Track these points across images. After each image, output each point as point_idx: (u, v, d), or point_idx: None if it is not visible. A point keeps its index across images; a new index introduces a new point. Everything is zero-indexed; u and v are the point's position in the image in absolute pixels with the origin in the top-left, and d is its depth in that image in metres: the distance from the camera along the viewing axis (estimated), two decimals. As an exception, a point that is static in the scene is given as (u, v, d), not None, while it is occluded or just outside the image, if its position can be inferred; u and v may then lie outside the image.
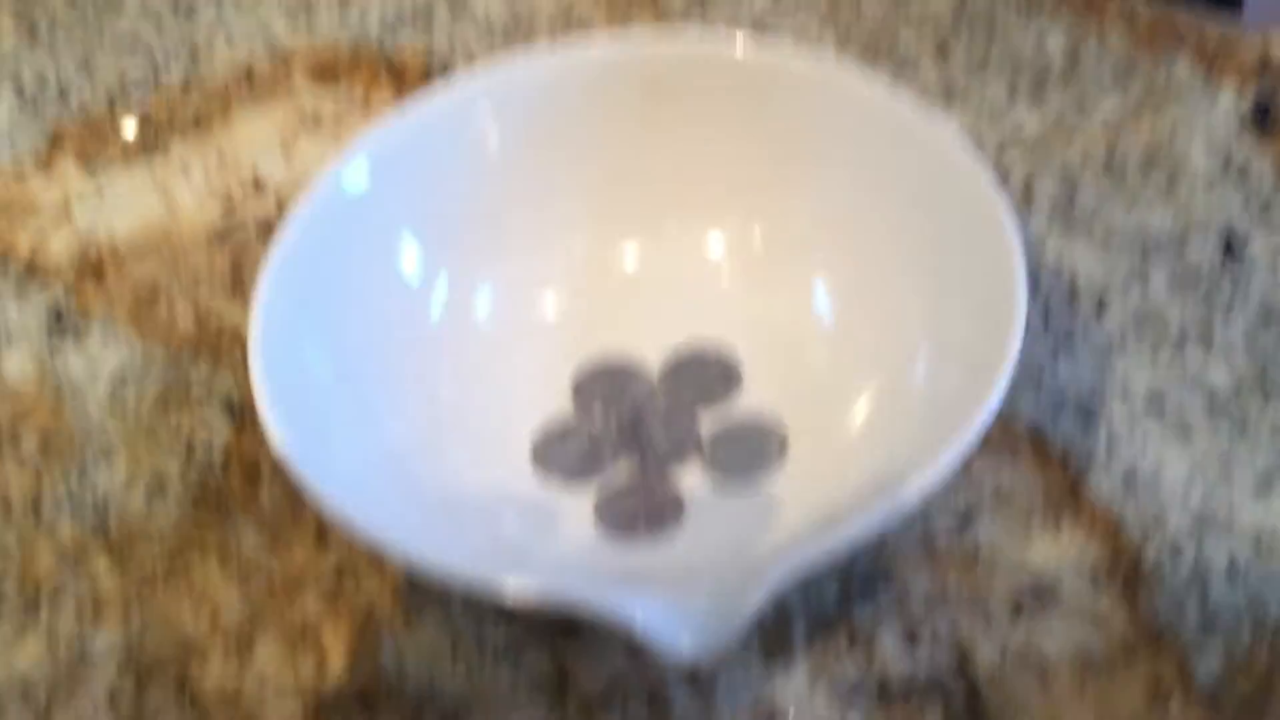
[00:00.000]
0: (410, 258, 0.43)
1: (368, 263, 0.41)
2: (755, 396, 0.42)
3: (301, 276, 0.38)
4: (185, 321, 0.47)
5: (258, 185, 0.52)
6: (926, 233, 0.40)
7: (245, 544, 0.40)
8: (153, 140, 0.54)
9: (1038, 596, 0.37)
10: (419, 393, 0.40)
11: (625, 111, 0.44)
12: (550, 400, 0.42)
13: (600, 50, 0.44)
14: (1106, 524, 0.38)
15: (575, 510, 0.39)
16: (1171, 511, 0.39)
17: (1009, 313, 0.36)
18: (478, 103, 0.44)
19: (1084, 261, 0.46)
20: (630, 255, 0.45)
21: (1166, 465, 0.40)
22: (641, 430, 0.41)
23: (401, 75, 0.56)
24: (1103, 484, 0.39)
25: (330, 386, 0.38)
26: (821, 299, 0.43)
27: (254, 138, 0.54)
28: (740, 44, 0.43)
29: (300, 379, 0.37)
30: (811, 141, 0.43)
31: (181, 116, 0.55)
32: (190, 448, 0.43)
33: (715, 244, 0.45)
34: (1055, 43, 0.54)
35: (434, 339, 0.41)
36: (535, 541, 0.38)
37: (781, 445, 0.40)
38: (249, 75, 0.56)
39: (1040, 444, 0.40)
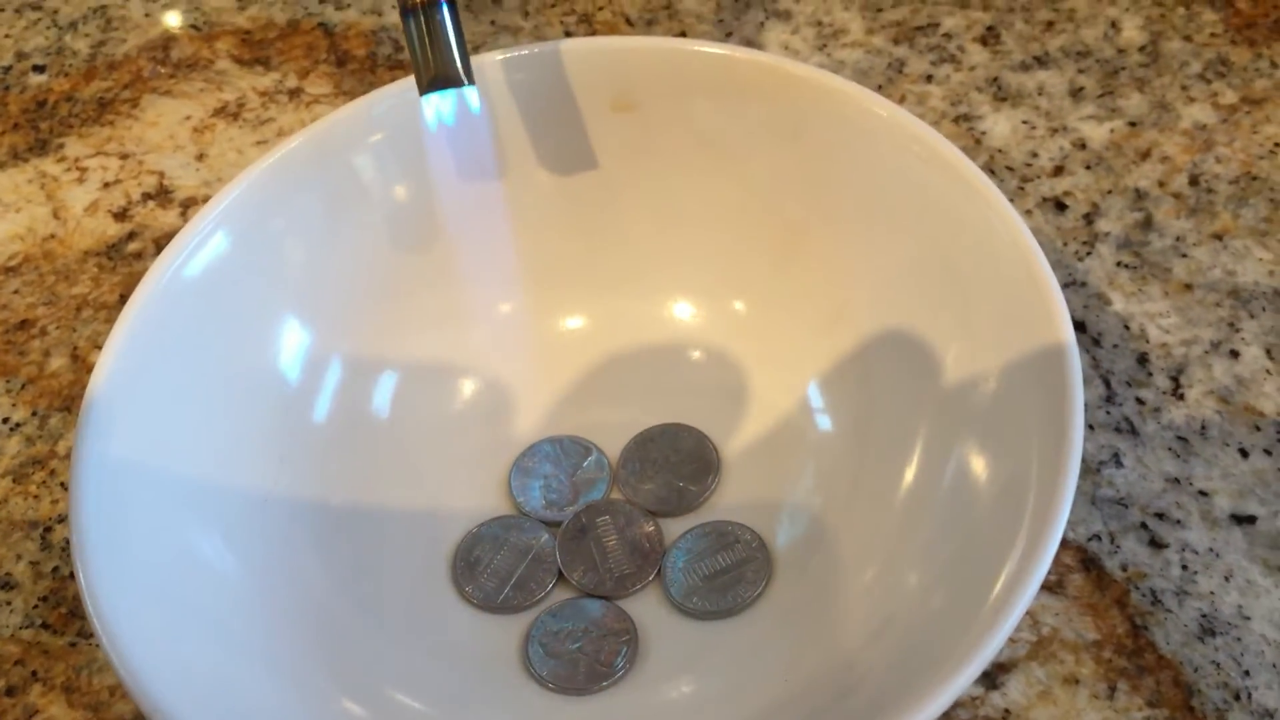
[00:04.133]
0: (288, 340, 0.33)
1: (230, 352, 0.32)
2: (732, 503, 0.33)
3: (142, 380, 0.30)
4: (59, 366, 0.39)
5: (163, 193, 0.43)
6: (950, 306, 0.31)
7: (102, 674, 0.32)
8: (45, 131, 0.46)
9: (1082, 792, 0.29)
10: (294, 511, 0.32)
11: (575, 138, 0.35)
12: (472, 506, 0.34)
13: (545, 49, 0.35)
14: (1174, 690, 0.30)
15: (498, 653, 0.31)
16: (1260, 674, 0.30)
17: (1061, 406, 0.27)
18: (375, 131, 0.34)
19: (1158, 320, 0.36)
20: (578, 327, 0.36)
21: (1257, 609, 0.31)
22: (591, 546, 0.33)
23: (344, 60, 0.47)
24: (1171, 632, 0.31)
25: (180, 531, 0.29)
26: (817, 396, 0.34)
27: (164, 132, 0.45)
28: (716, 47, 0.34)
29: (137, 522, 0.28)
30: (809, 190, 0.34)
31: (83, 100, 0.46)
32: (47, 540, 0.35)
33: (685, 319, 0.36)
34: (1131, 30, 0.44)
35: (319, 439, 0.33)
36: (437, 704, 0.30)
37: (763, 574, 0.32)
38: (165, 50, 0.48)
39: (1091, 572, 0.32)
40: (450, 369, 0.35)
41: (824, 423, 0.33)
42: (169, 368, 0.30)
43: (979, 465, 0.29)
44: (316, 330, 0.33)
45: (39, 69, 0.48)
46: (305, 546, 0.31)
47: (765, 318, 0.35)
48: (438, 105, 0.33)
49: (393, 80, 0.37)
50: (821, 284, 0.34)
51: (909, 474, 0.31)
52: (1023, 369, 0.29)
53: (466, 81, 0.30)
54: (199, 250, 0.31)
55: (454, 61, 0.30)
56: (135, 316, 0.30)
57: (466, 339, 0.35)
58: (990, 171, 0.40)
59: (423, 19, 0.30)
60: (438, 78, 0.30)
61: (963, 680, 0.24)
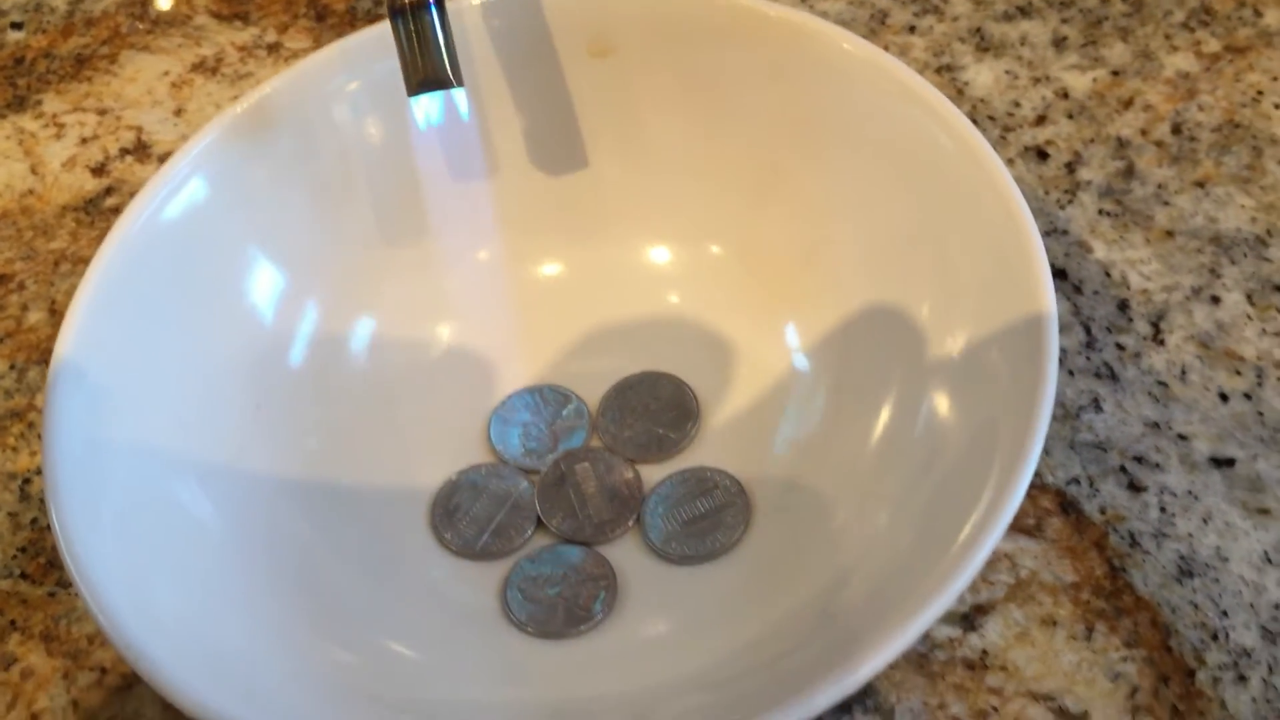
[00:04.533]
0: (263, 286, 0.33)
1: (205, 298, 0.32)
2: (711, 449, 0.33)
3: (114, 328, 0.30)
4: (37, 320, 0.39)
5: (141, 148, 0.43)
6: (927, 248, 0.31)
7: (81, 623, 0.32)
8: (23, 88, 0.45)
9: (1059, 730, 0.29)
10: (271, 458, 0.31)
11: (553, 83, 0.34)
12: (451, 455, 0.34)
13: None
14: (1152, 631, 0.30)
15: (476, 599, 0.31)
16: (1238, 614, 0.30)
17: (1037, 350, 0.27)
18: (351, 79, 0.34)
19: (1139, 267, 0.36)
20: (555, 274, 0.36)
21: (1235, 550, 0.31)
22: (570, 493, 0.33)
23: (323, 14, 0.46)
24: (1150, 574, 0.31)
25: (156, 480, 0.29)
26: (794, 336, 0.34)
27: (142, 87, 0.45)
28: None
29: (112, 471, 0.28)
30: (787, 131, 0.33)
31: (61, 57, 0.46)
32: (25, 492, 0.35)
33: (662, 263, 0.36)
34: (1115, -22, 0.44)
35: (295, 386, 0.33)
36: (419, 648, 0.30)
37: (741, 518, 0.32)
38: (144, 5, 0.47)
39: (1070, 515, 0.32)
40: (428, 316, 0.35)
41: (801, 365, 0.33)
42: (142, 314, 0.30)
43: (953, 408, 0.29)
44: (292, 277, 0.33)
45: (17, 26, 0.48)
46: (283, 494, 0.31)
47: (742, 261, 0.34)
48: (426, 107, 0.33)
49: (369, 29, 0.36)
50: (798, 226, 0.33)
51: (884, 416, 0.31)
52: (1000, 313, 0.29)
53: (455, 83, 0.30)
54: (172, 197, 0.31)
55: (443, 64, 0.30)
56: (107, 263, 0.30)
57: (444, 286, 0.35)
58: (973, 122, 0.40)
59: (411, 21, 0.30)
60: (427, 80, 0.30)
61: (929, 616, 0.24)
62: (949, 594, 0.24)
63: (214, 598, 0.28)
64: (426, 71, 0.30)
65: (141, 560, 0.27)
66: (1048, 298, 0.27)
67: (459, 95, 0.33)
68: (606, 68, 0.34)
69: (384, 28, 0.34)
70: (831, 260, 0.33)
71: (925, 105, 0.31)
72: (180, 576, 0.28)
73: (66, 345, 0.29)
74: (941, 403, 0.30)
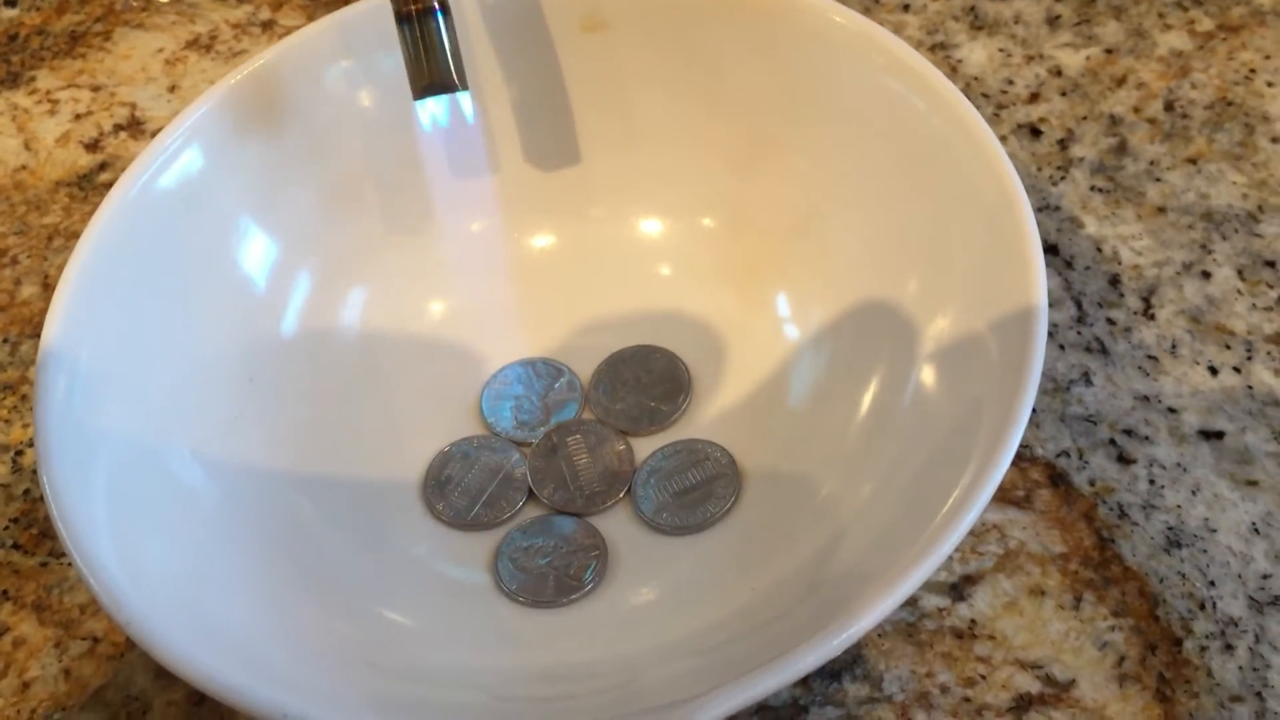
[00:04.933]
0: (256, 257, 0.33)
1: (198, 268, 0.32)
2: (702, 421, 0.33)
3: (107, 297, 0.30)
4: (30, 294, 0.39)
5: (134, 124, 0.43)
6: (918, 222, 0.31)
7: (73, 593, 0.32)
8: (16, 65, 0.45)
9: (1046, 699, 0.29)
10: (264, 429, 0.32)
11: (545, 58, 0.34)
12: (444, 427, 0.34)
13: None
14: (1140, 600, 0.30)
15: (468, 569, 0.31)
16: (1225, 584, 0.30)
17: (1025, 324, 0.27)
18: (346, 51, 0.34)
19: (1130, 242, 0.36)
20: (547, 246, 0.36)
21: (1223, 521, 0.31)
22: (562, 465, 0.33)
23: (316, -12, 0.46)
24: (1138, 545, 0.31)
25: (149, 441, 0.29)
26: (785, 307, 0.34)
27: (136, 64, 0.45)
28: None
29: (104, 440, 0.28)
30: (778, 104, 0.33)
31: (54, 34, 0.46)
32: (18, 464, 0.35)
33: (654, 236, 0.36)
34: (1109, -44, 0.44)
35: (288, 356, 0.33)
36: (412, 616, 0.30)
37: (732, 489, 0.32)
38: (139, -15, 0.47)
39: (1059, 487, 0.32)
40: (420, 288, 0.35)
41: (792, 336, 0.33)
42: (136, 284, 0.30)
43: (941, 381, 0.29)
44: (285, 248, 0.33)
45: (10, 3, 0.48)
46: (276, 464, 0.31)
47: (733, 234, 0.34)
48: (431, 109, 0.34)
49: (363, 3, 0.36)
50: (790, 199, 0.33)
51: (874, 387, 0.31)
52: (990, 289, 0.29)
53: (461, 87, 0.31)
54: (166, 166, 0.31)
55: (449, 69, 0.30)
56: (101, 232, 0.30)
57: (436, 258, 0.35)
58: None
59: (417, 27, 0.30)
60: (433, 84, 0.31)
61: (913, 581, 0.24)
62: (932, 561, 0.24)
63: (208, 566, 0.28)
64: (432, 76, 0.30)
65: (134, 528, 0.27)
66: (1038, 275, 0.27)
67: (464, 97, 0.33)
68: (599, 42, 0.34)
69: (379, 1, 0.34)
70: (823, 233, 0.33)
71: (918, 78, 0.31)
72: (173, 544, 0.28)
73: (58, 315, 0.29)
74: (929, 376, 0.30)
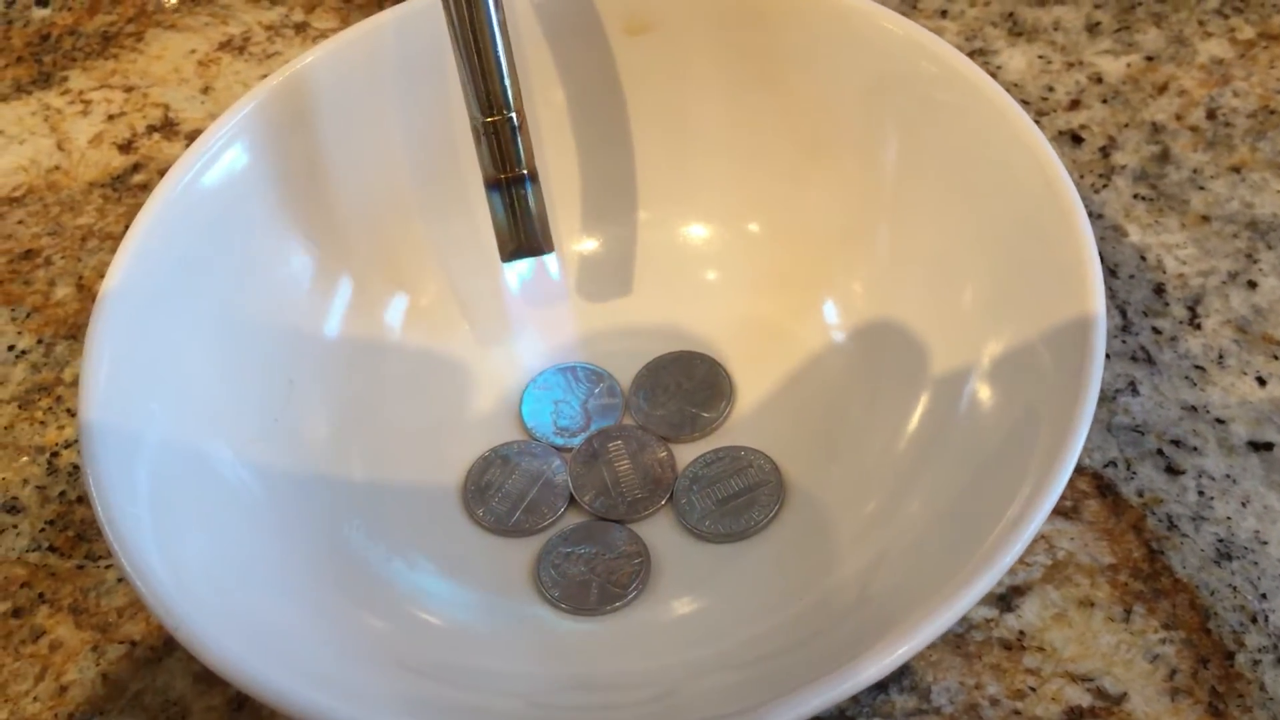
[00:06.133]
0: (298, 259, 0.33)
1: (240, 268, 0.31)
2: (745, 429, 0.33)
3: (151, 295, 0.29)
4: (64, 295, 0.38)
5: (168, 125, 0.43)
6: (972, 231, 0.31)
7: (110, 595, 0.32)
8: (48, 65, 0.45)
9: (1098, 712, 0.28)
10: (305, 430, 0.31)
11: (589, 62, 0.34)
12: (483, 432, 0.33)
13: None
14: (1191, 613, 0.30)
15: (509, 575, 0.31)
16: (1277, 598, 0.30)
17: (1083, 335, 0.27)
18: (390, 53, 0.33)
19: (1175, 251, 0.36)
20: (591, 251, 0.35)
21: (1274, 534, 0.31)
22: (603, 471, 0.33)
23: (349, -9, 0.46)
24: (1188, 556, 0.31)
25: (193, 441, 0.29)
26: (833, 314, 0.33)
27: (169, 65, 0.45)
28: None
29: (146, 439, 0.28)
30: (830, 110, 0.33)
31: (86, 34, 0.46)
32: (54, 465, 0.35)
33: (700, 242, 0.35)
34: (1149, -37, 0.44)
35: (329, 359, 0.32)
36: (450, 620, 0.29)
37: (775, 498, 0.31)
38: (171, -15, 0.47)
39: (1107, 498, 0.32)
40: (462, 291, 0.35)
41: (840, 345, 0.33)
42: (177, 283, 0.30)
43: (994, 394, 0.29)
44: (328, 251, 0.33)
45: (42, 3, 0.47)
46: (315, 467, 0.31)
47: (780, 240, 0.34)
48: (518, 269, 0.35)
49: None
50: (839, 206, 0.33)
51: (924, 399, 0.30)
52: (1046, 302, 0.28)
53: (547, 250, 0.31)
54: (210, 166, 0.31)
55: (537, 235, 0.31)
56: (144, 231, 0.30)
57: (479, 262, 0.34)
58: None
59: (509, 194, 0.31)
60: (521, 249, 0.31)
61: (969, 598, 0.23)
62: (991, 575, 0.24)
63: (248, 569, 0.28)
64: (521, 242, 0.31)
65: (176, 529, 0.27)
66: (1096, 284, 0.27)
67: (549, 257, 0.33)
68: (644, 45, 0.34)
69: (420, 1, 0.33)
70: (873, 241, 0.33)
71: (971, 88, 0.30)
72: (214, 545, 0.28)
73: (102, 315, 0.28)
74: (983, 387, 0.29)
